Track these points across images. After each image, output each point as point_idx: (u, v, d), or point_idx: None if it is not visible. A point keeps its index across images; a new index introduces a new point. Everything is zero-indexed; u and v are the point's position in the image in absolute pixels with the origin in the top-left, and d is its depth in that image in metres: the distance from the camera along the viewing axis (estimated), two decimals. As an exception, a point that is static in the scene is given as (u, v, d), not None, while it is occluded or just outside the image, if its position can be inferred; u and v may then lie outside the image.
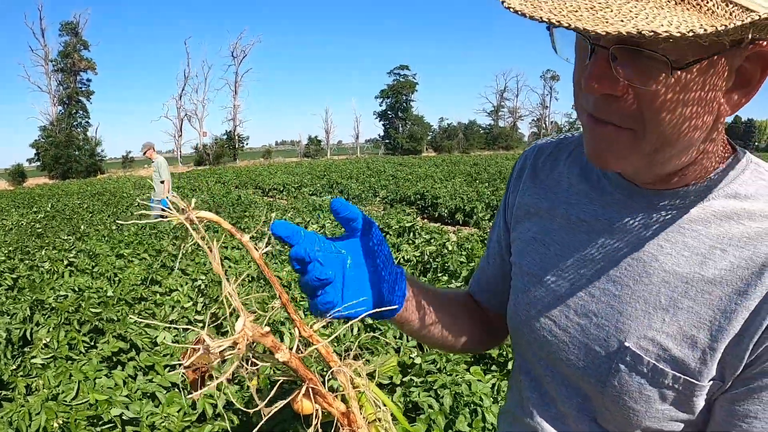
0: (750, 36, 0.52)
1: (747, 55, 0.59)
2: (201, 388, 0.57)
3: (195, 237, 0.53)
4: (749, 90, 0.62)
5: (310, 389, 0.63)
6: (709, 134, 0.66)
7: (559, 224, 0.83)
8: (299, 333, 0.63)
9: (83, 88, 45.39)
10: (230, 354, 0.55)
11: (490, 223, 8.57)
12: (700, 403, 0.69)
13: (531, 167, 0.92)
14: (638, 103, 0.60)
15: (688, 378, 0.68)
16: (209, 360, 0.54)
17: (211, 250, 0.55)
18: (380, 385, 2.67)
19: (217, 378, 0.56)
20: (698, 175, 0.71)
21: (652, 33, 0.48)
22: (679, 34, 0.48)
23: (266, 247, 0.62)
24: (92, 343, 3.30)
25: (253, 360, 0.58)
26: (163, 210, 0.54)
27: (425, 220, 11.37)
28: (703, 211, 0.70)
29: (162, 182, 9.15)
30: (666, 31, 0.48)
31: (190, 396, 0.70)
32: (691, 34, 0.48)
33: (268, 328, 0.57)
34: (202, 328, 0.56)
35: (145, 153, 9.44)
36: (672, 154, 0.65)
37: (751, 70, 0.60)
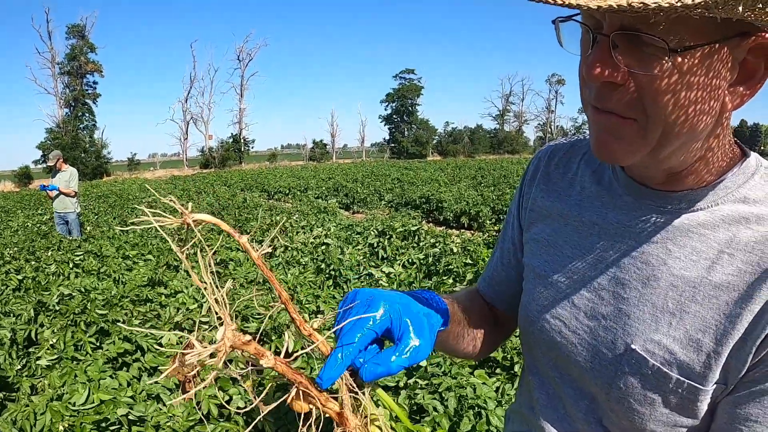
0: (741, 9, 0.50)
1: (750, 48, 0.59)
2: (188, 392, 0.58)
3: (187, 244, 0.53)
4: (753, 84, 0.62)
5: (300, 392, 0.63)
6: (715, 127, 0.66)
7: (572, 227, 0.83)
8: (299, 332, 0.63)
9: (90, 91, 45.57)
10: (211, 362, 0.55)
11: (495, 227, 8.59)
12: (703, 408, 0.69)
13: (544, 169, 0.92)
14: (639, 90, 0.60)
15: (691, 382, 0.68)
16: (188, 370, 0.55)
17: (204, 258, 0.54)
18: (385, 387, 2.67)
19: (203, 381, 0.56)
20: (706, 174, 0.70)
21: (641, 5, 0.48)
22: (667, 5, 0.48)
23: (265, 248, 0.61)
24: (98, 344, 3.31)
25: (251, 364, 0.58)
26: (158, 214, 0.54)
27: (430, 224, 11.36)
28: (711, 215, 0.70)
29: (75, 193, 8.32)
30: (655, 2, 0.48)
31: (171, 402, 0.71)
32: (679, 4, 0.48)
33: (249, 337, 0.58)
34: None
35: (56, 164, 8.18)
36: (678, 144, 0.65)
37: (754, 63, 0.60)
